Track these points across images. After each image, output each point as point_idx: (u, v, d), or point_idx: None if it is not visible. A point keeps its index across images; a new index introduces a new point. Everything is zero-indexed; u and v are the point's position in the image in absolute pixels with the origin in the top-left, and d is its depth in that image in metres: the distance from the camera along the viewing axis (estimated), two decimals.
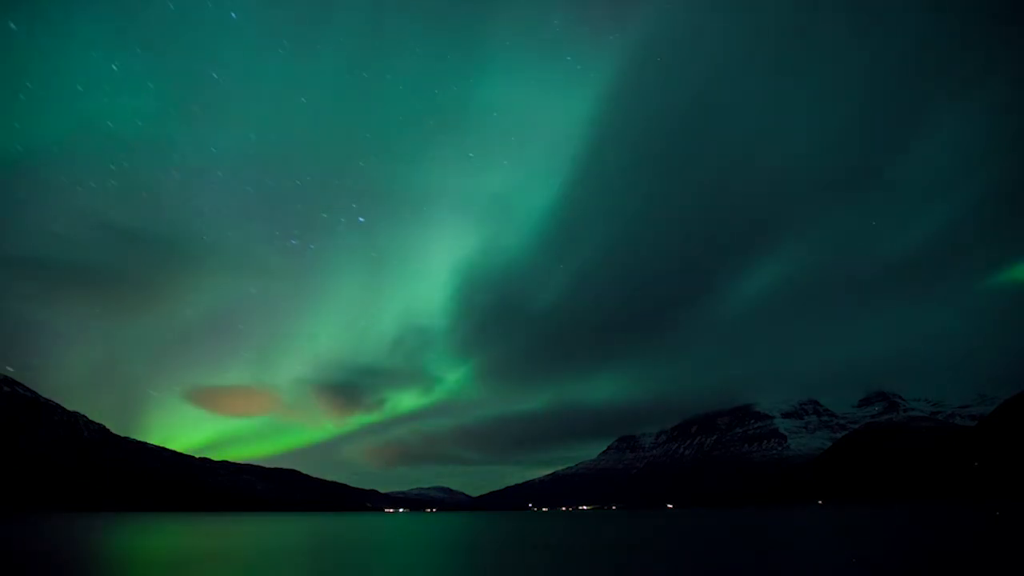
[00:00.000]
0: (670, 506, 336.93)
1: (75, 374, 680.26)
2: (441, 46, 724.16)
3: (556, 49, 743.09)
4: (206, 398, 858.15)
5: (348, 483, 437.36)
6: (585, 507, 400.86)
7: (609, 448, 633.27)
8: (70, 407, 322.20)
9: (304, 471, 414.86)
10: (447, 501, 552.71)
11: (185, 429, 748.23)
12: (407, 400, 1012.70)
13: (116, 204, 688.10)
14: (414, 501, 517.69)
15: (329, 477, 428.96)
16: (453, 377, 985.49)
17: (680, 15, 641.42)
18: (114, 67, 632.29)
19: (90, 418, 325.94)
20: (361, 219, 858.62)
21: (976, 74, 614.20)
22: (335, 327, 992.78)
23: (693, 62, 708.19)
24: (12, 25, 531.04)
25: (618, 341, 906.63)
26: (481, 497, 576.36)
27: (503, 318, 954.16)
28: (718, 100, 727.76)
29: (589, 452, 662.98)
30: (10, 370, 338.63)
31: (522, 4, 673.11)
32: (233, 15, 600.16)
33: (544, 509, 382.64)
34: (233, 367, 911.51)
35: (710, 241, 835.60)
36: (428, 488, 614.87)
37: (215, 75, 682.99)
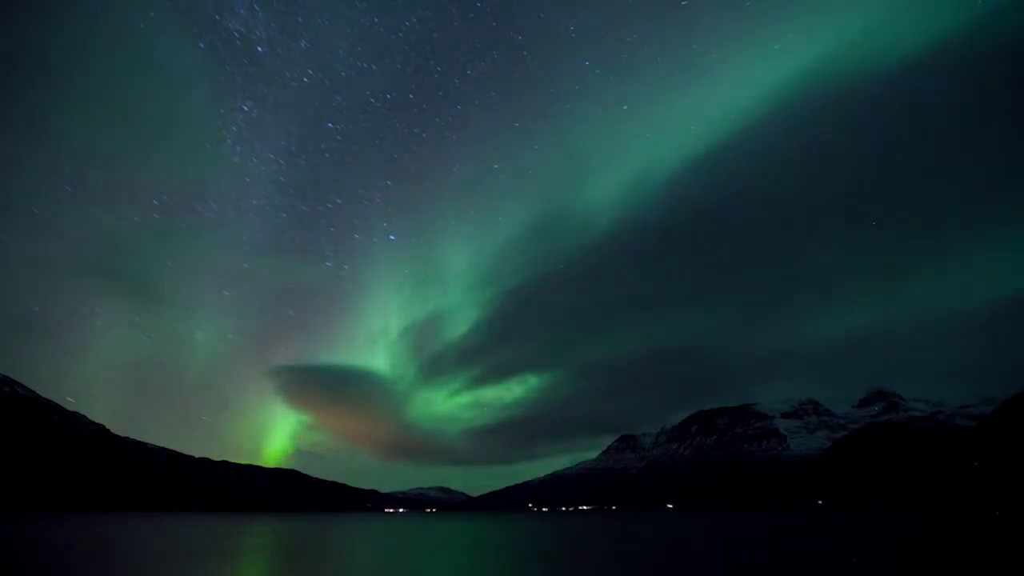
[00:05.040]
0: (670, 506, 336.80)
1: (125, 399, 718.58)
2: (460, 64, 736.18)
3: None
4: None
5: (348, 483, 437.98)
6: (585, 507, 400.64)
7: (609, 448, 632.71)
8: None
9: (304, 471, 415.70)
10: (446, 501, 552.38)
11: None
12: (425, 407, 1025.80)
13: (157, 236, 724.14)
14: (414, 501, 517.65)
15: (329, 477, 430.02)
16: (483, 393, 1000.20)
17: None
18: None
19: (90, 418, 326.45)
20: (392, 237, 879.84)
21: None
22: (365, 344, 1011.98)
23: None
24: (56, 72, 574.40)
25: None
26: (480, 497, 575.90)
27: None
28: None
29: (589, 452, 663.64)
30: (71, 400, 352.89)
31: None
32: (259, 49, 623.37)
33: (544, 509, 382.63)
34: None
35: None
36: (428, 488, 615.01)
37: (245, 107, 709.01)
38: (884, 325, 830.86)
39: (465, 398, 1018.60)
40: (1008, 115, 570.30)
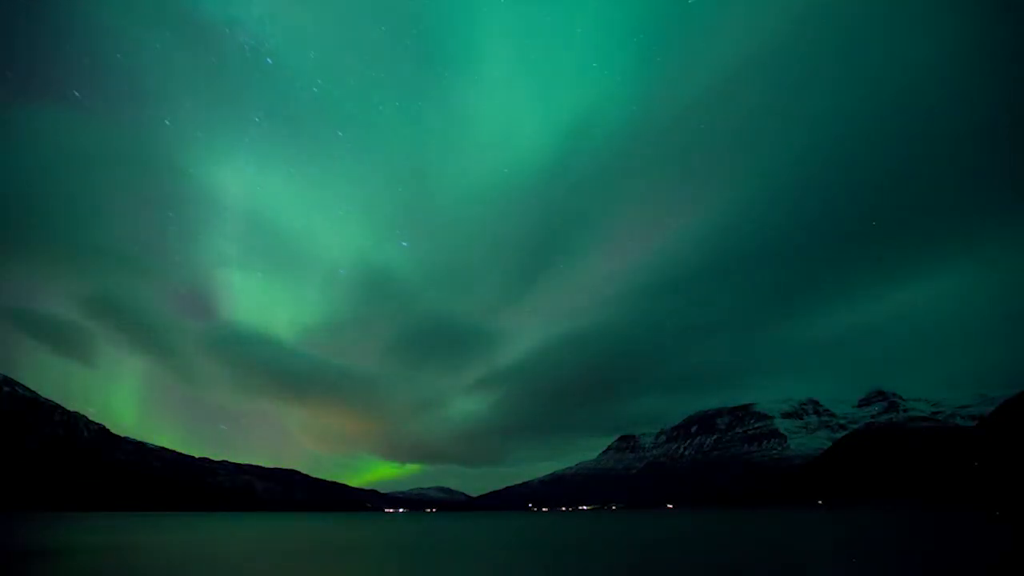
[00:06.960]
0: (670, 506, 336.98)
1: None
2: (468, 71, 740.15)
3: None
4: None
5: (348, 483, 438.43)
6: (585, 507, 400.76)
7: (609, 448, 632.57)
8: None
9: (304, 471, 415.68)
10: (446, 501, 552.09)
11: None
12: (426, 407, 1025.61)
13: (172, 250, 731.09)
14: (414, 501, 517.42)
15: (329, 477, 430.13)
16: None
17: None
18: (167, 122, 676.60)
19: (90, 418, 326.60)
20: (404, 244, 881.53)
21: None
22: (368, 346, 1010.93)
23: None
24: (76, 94, 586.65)
25: None
26: (480, 497, 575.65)
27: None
28: None
29: (589, 452, 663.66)
30: (91, 410, 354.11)
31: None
32: (269, 60, 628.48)
33: (544, 509, 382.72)
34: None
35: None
36: (427, 488, 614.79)
37: (256, 119, 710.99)
38: (884, 325, 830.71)
39: (466, 398, 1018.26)
40: (1009, 116, 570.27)
